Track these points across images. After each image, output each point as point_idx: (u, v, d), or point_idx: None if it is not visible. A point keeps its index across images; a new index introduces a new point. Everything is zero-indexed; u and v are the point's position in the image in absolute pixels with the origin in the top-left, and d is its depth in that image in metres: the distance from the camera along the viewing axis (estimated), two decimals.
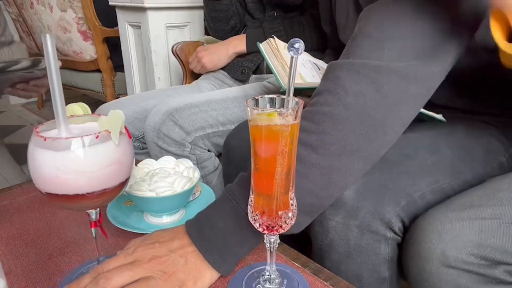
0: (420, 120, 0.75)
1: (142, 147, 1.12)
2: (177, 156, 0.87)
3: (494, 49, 0.44)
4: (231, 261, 0.51)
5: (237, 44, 1.25)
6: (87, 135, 0.41)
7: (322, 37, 1.19)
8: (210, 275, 0.50)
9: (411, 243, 0.55)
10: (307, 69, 0.94)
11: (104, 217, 0.63)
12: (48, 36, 0.40)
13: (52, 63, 0.41)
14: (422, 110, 0.68)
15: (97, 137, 0.41)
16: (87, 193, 0.42)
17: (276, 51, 0.90)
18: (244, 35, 1.25)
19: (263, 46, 0.90)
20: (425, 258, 0.52)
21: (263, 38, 1.13)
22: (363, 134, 0.51)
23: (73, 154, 0.40)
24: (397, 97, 0.51)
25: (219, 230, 0.50)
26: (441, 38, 0.52)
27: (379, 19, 0.54)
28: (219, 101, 1.03)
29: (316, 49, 1.18)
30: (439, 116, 0.74)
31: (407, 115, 0.52)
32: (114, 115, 0.43)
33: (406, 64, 0.51)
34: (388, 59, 0.51)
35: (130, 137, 0.47)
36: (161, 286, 0.46)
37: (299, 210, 0.51)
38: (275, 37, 0.93)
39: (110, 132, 0.42)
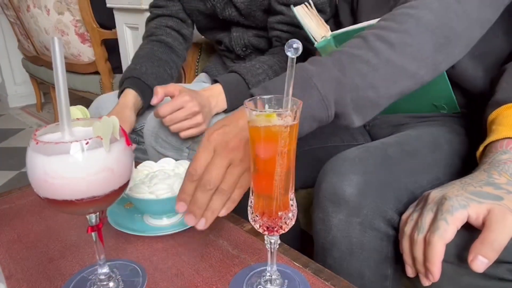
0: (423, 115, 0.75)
1: (139, 141, 1.08)
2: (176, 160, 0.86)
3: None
4: None
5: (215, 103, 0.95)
6: (76, 141, 0.40)
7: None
8: None
9: None
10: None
11: (104, 219, 0.63)
12: (56, 39, 0.40)
13: (59, 66, 0.40)
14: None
15: (87, 143, 0.40)
16: (76, 200, 0.41)
17: (310, 10, 0.88)
18: (218, 88, 0.95)
19: (296, 10, 0.87)
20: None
21: (244, 88, 0.95)
22: (437, 42, 0.52)
23: (60, 158, 0.40)
24: (474, 16, 0.53)
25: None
26: None
27: None
28: None
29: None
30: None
31: (475, 37, 0.54)
32: (106, 121, 0.42)
33: None
34: None
35: (129, 144, 0.45)
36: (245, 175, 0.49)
37: (356, 106, 0.52)
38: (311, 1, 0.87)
39: (102, 139, 0.41)
